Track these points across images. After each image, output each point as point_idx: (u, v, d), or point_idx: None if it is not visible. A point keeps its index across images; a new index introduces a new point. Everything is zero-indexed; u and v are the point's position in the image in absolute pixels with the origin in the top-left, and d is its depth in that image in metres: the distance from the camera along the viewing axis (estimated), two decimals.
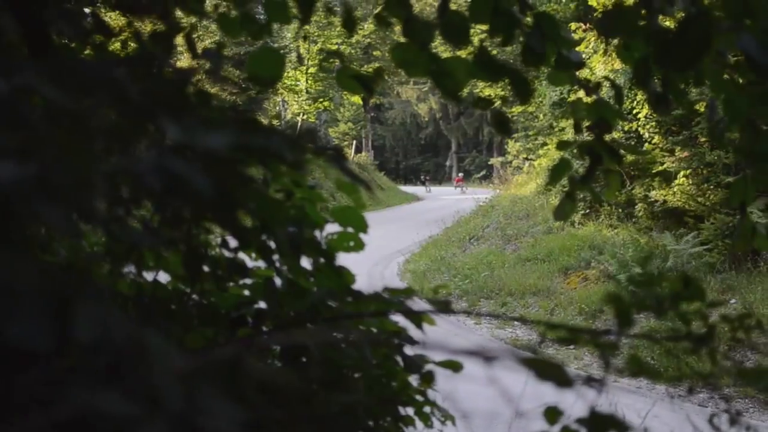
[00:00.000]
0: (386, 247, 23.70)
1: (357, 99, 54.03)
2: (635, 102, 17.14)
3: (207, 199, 0.99)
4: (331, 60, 42.64)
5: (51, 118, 0.96)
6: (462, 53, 2.13)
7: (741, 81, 1.99)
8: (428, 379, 2.32)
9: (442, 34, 2.12)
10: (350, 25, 2.31)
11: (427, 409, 2.52)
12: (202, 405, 0.82)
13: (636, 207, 17.94)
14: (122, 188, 1.55)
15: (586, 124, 2.33)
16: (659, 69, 1.92)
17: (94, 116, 1.02)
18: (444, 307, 1.92)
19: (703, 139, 16.05)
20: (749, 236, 2.10)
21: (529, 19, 2.12)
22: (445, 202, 39.78)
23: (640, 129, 17.70)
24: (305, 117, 44.16)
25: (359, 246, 2.31)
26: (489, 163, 62.69)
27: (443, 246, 23.41)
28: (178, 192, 1.02)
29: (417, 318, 2.10)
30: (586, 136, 2.32)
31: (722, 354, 1.73)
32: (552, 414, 1.55)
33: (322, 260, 2.19)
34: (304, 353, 2.16)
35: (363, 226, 2.30)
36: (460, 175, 65.30)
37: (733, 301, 13.06)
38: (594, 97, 2.27)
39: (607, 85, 2.49)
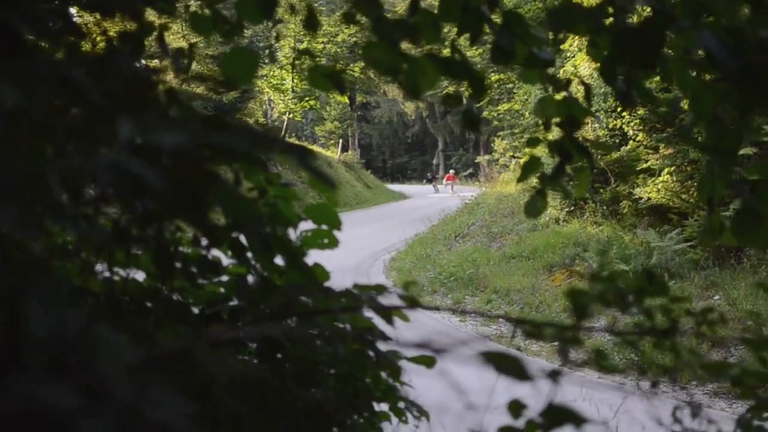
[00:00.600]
0: (373, 245, 23.77)
1: (343, 98, 53.96)
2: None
3: (163, 195, 1.01)
4: (317, 58, 42.53)
5: (8, 118, 0.98)
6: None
7: (707, 77, 2.02)
8: (396, 373, 2.34)
9: (411, 33, 2.14)
10: (312, 25, 2.32)
11: (401, 404, 2.54)
12: (151, 397, 0.83)
13: (620, 204, 18.00)
14: (90, 186, 1.56)
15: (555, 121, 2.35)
16: (623, 66, 1.94)
17: (51, 115, 1.04)
18: (412, 303, 1.94)
19: None
20: (717, 232, 2.12)
21: (498, 17, 2.14)
22: (432, 201, 39.84)
23: (624, 126, 17.78)
24: (291, 116, 44.05)
25: (333, 243, 2.33)
26: (476, 161, 62.51)
27: (429, 244, 23.46)
28: (136, 190, 1.03)
29: (387, 314, 2.12)
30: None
31: (689, 348, 1.75)
32: (516, 408, 1.56)
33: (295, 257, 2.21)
34: (280, 350, 2.17)
35: (336, 224, 2.32)
36: (451, 172, 59.99)
37: (716, 297, 13.11)
38: (564, 94, 2.29)
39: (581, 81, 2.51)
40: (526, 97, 28.60)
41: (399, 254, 22.72)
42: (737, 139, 2.00)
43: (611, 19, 1.98)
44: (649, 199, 16.74)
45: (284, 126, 44.11)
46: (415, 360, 2.33)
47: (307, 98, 43.65)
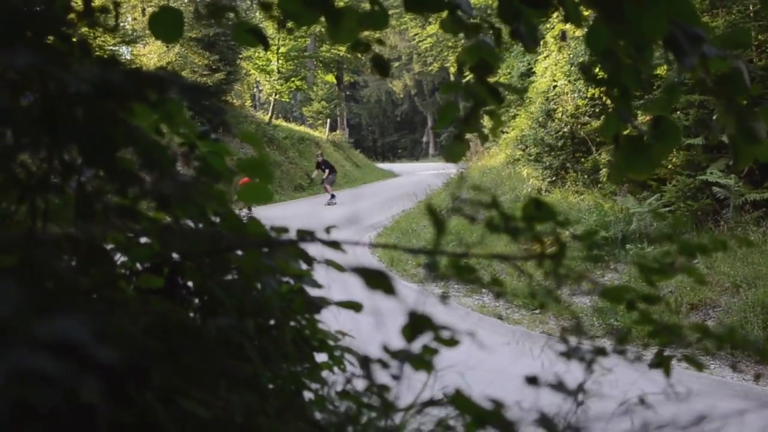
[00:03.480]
0: (360, 222, 23.81)
1: (330, 77, 53.79)
2: (598, 68, 17.26)
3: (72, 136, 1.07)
4: (301, 37, 42.43)
5: None
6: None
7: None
8: (309, 310, 2.39)
9: None
10: None
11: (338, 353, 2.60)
12: None
13: (600, 172, 18.08)
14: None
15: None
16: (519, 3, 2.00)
17: None
18: (331, 245, 2.01)
19: None
20: (624, 169, 2.18)
21: None
22: (420, 178, 39.75)
23: (603, 95, 17.86)
24: (278, 96, 43.94)
25: (267, 196, 2.39)
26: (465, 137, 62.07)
27: (414, 219, 23.53)
28: None
29: (304, 254, 2.18)
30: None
31: (578, 274, 1.82)
32: (409, 331, 1.62)
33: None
34: (221, 306, 2.23)
35: (269, 177, 2.37)
36: None
37: (695, 261, 13.19)
38: (476, 39, 2.34)
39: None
40: (508, 70, 28.66)
41: (385, 230, 22.79)
42: (634, 75, 2.07)
43: None
44: None
45: (271, 107, 43.98)
46: (342, 304, 2.39)
47: (293, 79, 43.51)
